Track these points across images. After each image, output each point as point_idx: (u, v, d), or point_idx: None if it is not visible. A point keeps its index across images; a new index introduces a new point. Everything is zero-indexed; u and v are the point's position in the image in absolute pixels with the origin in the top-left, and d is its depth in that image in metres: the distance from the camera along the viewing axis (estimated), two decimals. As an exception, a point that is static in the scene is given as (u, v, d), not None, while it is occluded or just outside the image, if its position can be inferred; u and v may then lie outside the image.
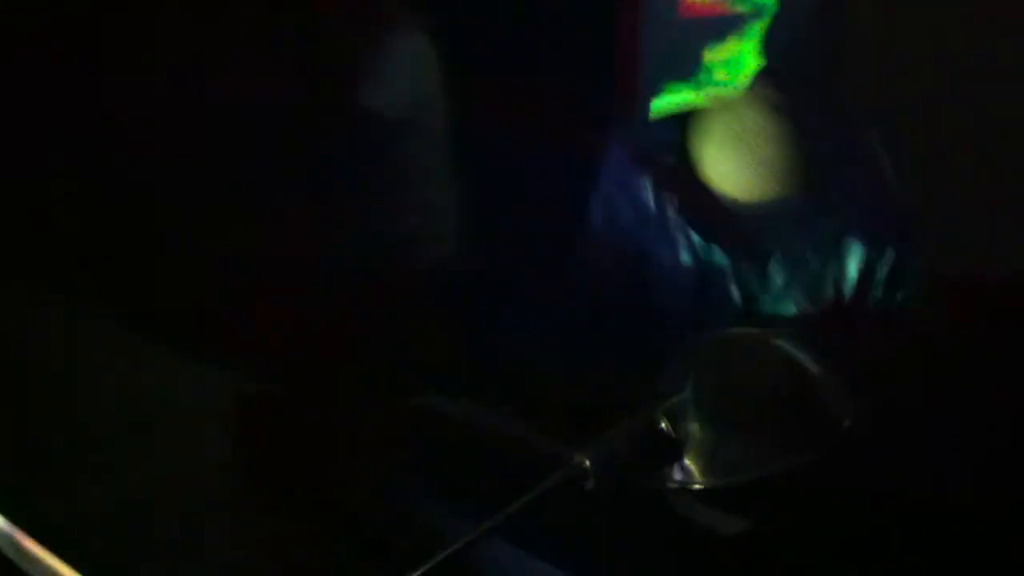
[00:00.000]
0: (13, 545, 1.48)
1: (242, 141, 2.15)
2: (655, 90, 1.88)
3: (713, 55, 1.79)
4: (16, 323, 1.92)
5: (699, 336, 1.11)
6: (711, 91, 1.76)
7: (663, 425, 1.06)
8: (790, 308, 1.53)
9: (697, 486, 1.05)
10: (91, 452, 1.83)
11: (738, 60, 1.74)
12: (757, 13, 1.79)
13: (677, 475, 1.05)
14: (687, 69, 1.82)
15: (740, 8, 1.88)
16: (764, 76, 1.66)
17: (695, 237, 1.64)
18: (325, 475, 1.75)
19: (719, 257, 1.62)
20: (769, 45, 1.73)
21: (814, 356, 1.09)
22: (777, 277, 1.55)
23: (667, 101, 1.83)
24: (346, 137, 2.20)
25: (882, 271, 1.56)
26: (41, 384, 1.91)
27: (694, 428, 1.05)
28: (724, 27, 1.78)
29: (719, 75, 1.79)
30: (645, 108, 1.91)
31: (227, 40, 2.18)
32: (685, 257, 1.64)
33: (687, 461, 1.05)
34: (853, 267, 1.54)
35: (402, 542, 1.52)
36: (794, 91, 1.64)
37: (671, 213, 1.69)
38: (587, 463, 1.04)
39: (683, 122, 1.77)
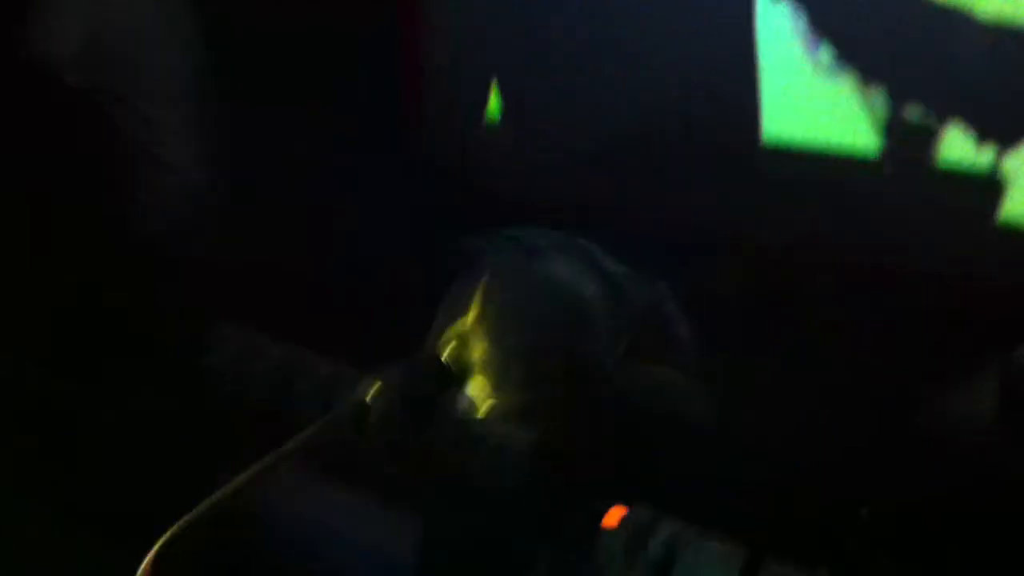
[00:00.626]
0: None
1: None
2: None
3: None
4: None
5: (479, 265, 1.11)
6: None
7: (442, 355, 1.06)
8: None
9: (479, 414, 1.05)
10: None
11: None
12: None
13: (459, 402, 1.06)
14: None
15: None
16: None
17: None
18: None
19: None
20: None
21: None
22: None
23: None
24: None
25: None
26: None
27: (474, 355, 1.06)
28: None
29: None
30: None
31: None
32: None
33: (469, 391, 1.05)
34: None
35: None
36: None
37: None
38: (366, 399, 1.03)
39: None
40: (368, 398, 1.02)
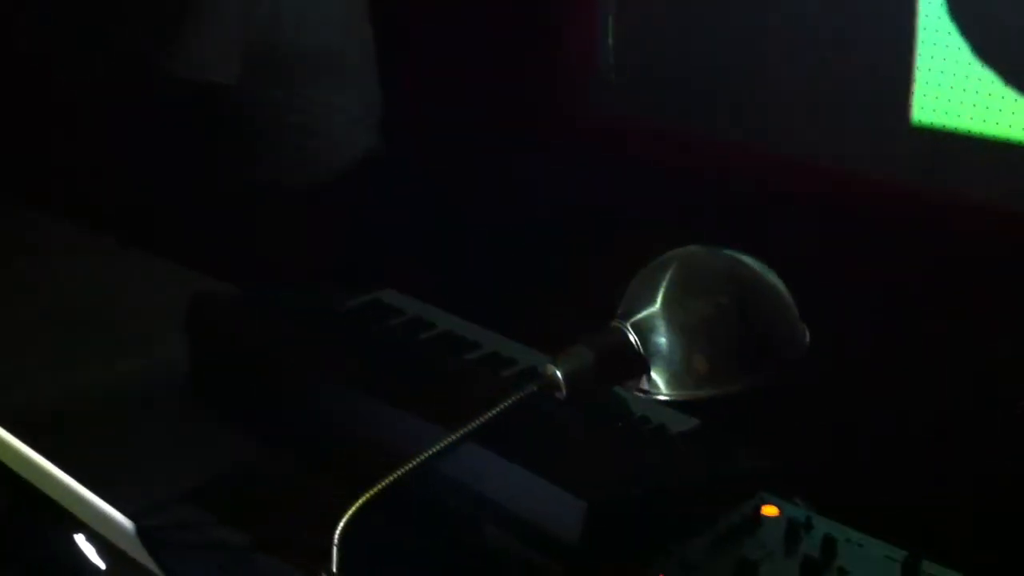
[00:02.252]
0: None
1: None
2: None
3: None
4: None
5: (670, 252, 1.14)
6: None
7: (632, 338, 1.09)
8: None
9: (663, 397, 1.09)
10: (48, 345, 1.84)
11: None
12: None
13: (644, 386, 1.09)
14: None
15: None
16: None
17: None
18: (276, 379, 1.78)
19: None
20: None
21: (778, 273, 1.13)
22: None
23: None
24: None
25: None
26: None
27: (661, 340, 1.09)
28: None
29: None
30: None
31: None
32: None
33: (654, 374, 1.09)
34: None
35: (370, 449, 1.56)
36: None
37: None
38: (558, 374, 1.08)
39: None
40: (560, 376, 1.07)
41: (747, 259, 1.13)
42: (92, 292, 1.94)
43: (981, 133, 1.83)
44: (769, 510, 1.24)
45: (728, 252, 1.14)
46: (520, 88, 2.20)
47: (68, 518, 1.39)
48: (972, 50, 1.79)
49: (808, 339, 1.12)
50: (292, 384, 1.79)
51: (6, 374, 1.70)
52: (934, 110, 1.83)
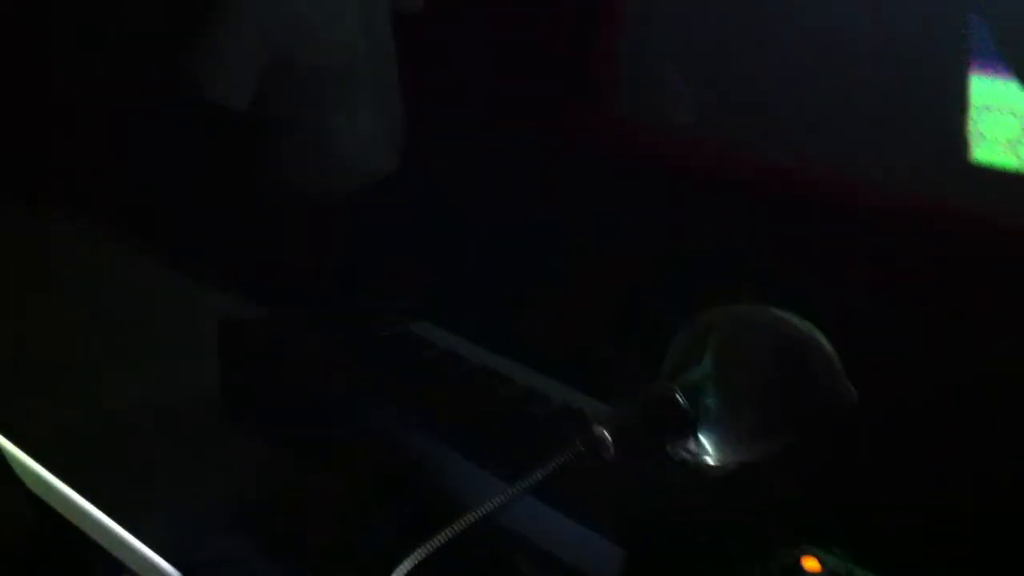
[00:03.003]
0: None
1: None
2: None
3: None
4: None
5: (716, 310, 1.15)
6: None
7: (679, 399, 1.10)
8: None
9: (710, 460, 1.09)
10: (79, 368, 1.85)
11: None
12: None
13: (692, 447, 1.10)
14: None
15: None
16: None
17: None
18: (308, 408, 1.79)
19: None
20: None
21: (825, 335, 1.13)
22: None
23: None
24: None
25: None
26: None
27: (709, 403, 1.09)
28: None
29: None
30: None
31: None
32: None
33: (701, 435, 1.09)
34: None
35: (408, 483, 1.57)
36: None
37: None
38: (606, 434, 1.08)
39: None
40: (607, 435, 1.07)
41: (792, 318, 1.14)
42: (121, 315, 1.95)
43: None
44: (810, 564, 1.24)
45: (774, 311, 1.15)
46: (557, 112, 2.20)
47: (102, 555, 1.40)
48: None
49: (855, 397, 1.12)
50: (324, 415, 1.80)
51: (35, 400, 1.71)
52: (991, 149, 1.83)
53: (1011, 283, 1.71)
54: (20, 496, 1.36)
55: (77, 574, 1.35)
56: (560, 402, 1.77)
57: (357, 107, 2.48)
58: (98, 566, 1.36)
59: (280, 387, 1.79)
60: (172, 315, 1.88)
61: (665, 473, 1.45)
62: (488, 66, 2.30)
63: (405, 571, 1.01)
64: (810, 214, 1.76)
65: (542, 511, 1.39)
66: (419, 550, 1.03)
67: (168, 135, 2.12)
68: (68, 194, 2.07)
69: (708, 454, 1.09)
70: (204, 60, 2.34)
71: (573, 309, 1.82)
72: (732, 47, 2.01)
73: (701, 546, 1.35)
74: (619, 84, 2.21)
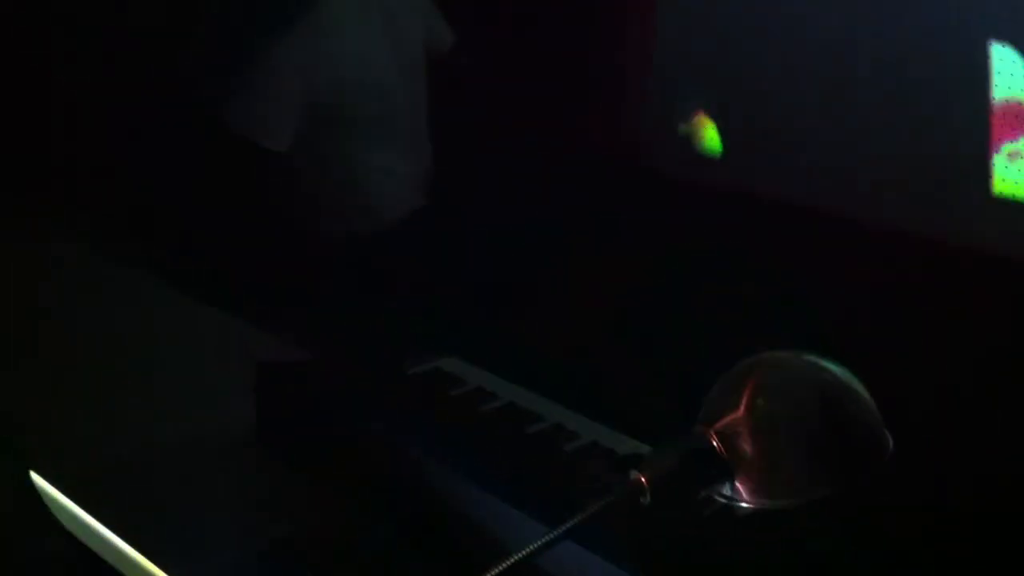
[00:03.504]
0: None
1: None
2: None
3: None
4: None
5: (754, 357, 1.15)
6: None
7: (715, 444, 1.10)
8: None
9: (746, 505, 1.09)
10: (115, 409, 1.86)
11: None
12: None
13: (727, 493, 1.10)
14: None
15: None
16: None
17: None
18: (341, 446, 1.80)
19: None
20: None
21: (862, 381, 1.13)
22: None
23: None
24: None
25: None
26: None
27: (745, 448, 1.10)
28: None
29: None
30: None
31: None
32: None
33: (738, 481, 1.09)
34: None
35: (440, 521, 1.58)
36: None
37: None
38: (643, 480, 1.08)
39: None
40: (645, 481, 1.08)
41: (830, 365, 1.14)
42: (156, 354, 1.97)
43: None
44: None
45: (811, 358, 1.15)
46: (590, 153, 2.21)
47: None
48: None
49: (891, 444, 1.13)
50: (356, 454, 1.81)
51: (71, 441, 1.73)
52: (1016, 181, 1.82)
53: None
54: (58, 537, 1.37)
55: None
56: (589, 439, 1.78)
57: (387, 147, 2.50)
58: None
59: (314, 426, 1.80)
60: (208, 355, 1.90)
61: (695, 511, 1.46)
62: (517, 104, 2.32)
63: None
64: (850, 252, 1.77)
65: (571, 549, 1.39)
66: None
67: (206, 176, 2.14)
68: (107, 236, 2.09)
69: (743, 500, 1.09)
70: (245, 103, 2.37)
71: (606, 346, 1.83)
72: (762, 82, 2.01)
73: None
74: (661, 131, 2.22)
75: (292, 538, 1.62)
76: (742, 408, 1.11)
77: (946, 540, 1.48)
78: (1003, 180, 1.86)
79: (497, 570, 1.06)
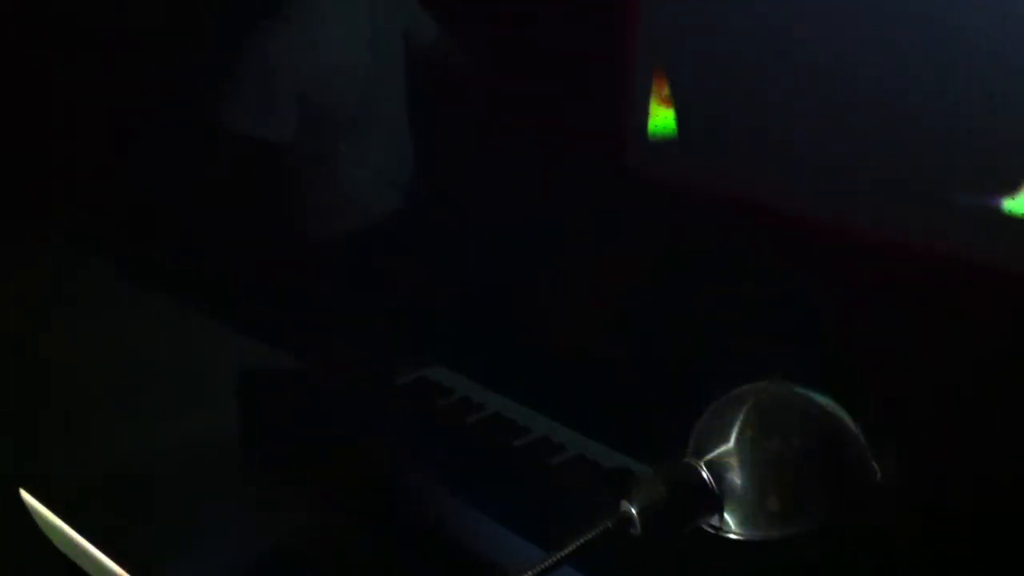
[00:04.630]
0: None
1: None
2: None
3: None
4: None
5: (745, 387, 1.16)
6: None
7: (705, 476, 1.11)
8: None
9: (735, 536, 1.10)
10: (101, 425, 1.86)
11: None
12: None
13: (716, 523, 1.11)
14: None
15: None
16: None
17: None
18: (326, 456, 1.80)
19: None
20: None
21: (852, 414, 1.15)
22: None
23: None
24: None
25: None
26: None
27: (735, 480, 1.11)
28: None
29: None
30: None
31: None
32: None
33: (727, 513, 1.11)
34: None
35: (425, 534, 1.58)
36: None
37: None
38: (633, 511, 1.09)
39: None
40: (634, 513, 1.09)
41: (819, 398, 1.15)
42: (142, 368, 1.96)
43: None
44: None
45: (801, 391, 1.16)
46: (570, 148, 2.20)
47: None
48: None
49: (879, 477, 1.14)
50: (342, 463, 1.81)
51: (60, 457, 1.72)
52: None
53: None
54: (47, 555, 1.37)
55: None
56: (575, 452, 1.79)
57: (369, 148, 2.50)
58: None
59: (300, 435, 1.81)
60: (196, 367, 1.90)
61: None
62: (504, 104, 2.31)
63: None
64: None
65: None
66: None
67: (189, 180, 2.13)
68: (91, 243, 2.08)
69: (732, 531, 1.10)
70: (243, 97, 2.36)
71: (594, 357, 1.84)
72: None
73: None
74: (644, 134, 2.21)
75: (280, 550, 1.62)
76: (732, 440, 1.12)
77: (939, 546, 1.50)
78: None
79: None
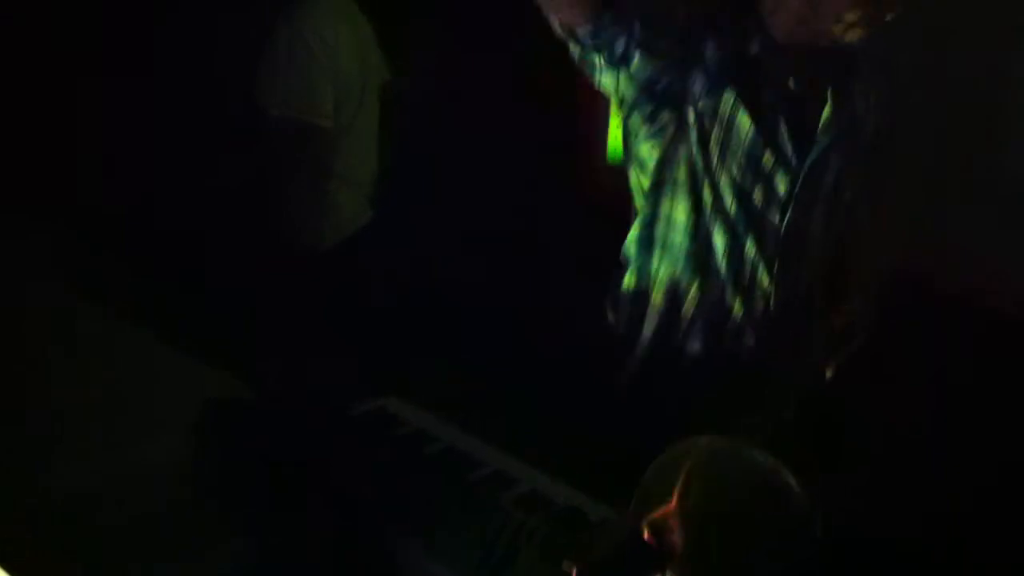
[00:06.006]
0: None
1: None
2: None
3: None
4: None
5: (687, 443, 1.17)
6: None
7: (647, 535, 1.12)
8: None
9: (680, 594, 1.11)
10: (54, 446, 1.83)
11: None
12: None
13: (658, 584, 1.12)
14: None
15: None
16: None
17: None
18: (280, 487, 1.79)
19: None
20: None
21: (789, 467, 1.15)
22: None
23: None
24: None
25: None
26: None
27: (677, 540, 1.11)
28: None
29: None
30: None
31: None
32: None
33: (669, 571, 1.11)
34: None
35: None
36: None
37: None
38: (576, 571, 1.10)
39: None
40: (578, 572, 1.09)
41: (759, 455, 1.16)
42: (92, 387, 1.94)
43: None
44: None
45: (741, 448, 1.17)
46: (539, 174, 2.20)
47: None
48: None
49: (819, 530, 1.15)
50: (295, 496, 1.80)
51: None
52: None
53: None
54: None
55: None
56: (528, 487, 1.79)
57: (342, 169, 2.50)
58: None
59: (254, 467, 1.79)
60: (145, 396, 1.88)
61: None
62: (464, 136, 2.32)
63: None
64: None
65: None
66: None
67: (147, 203, 2.12)
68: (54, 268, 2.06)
69: (672, 592, 1.11)
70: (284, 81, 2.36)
71: (548, 395, 1.84)
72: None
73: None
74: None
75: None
76: (674, 500, 1.13)
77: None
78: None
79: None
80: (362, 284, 2.30)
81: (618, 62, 1.65)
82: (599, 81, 1.68)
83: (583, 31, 1.63)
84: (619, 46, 1.63)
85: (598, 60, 1.66)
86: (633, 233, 1.77)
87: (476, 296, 2.07)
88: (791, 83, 1.68)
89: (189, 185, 2.22)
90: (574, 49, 1.66)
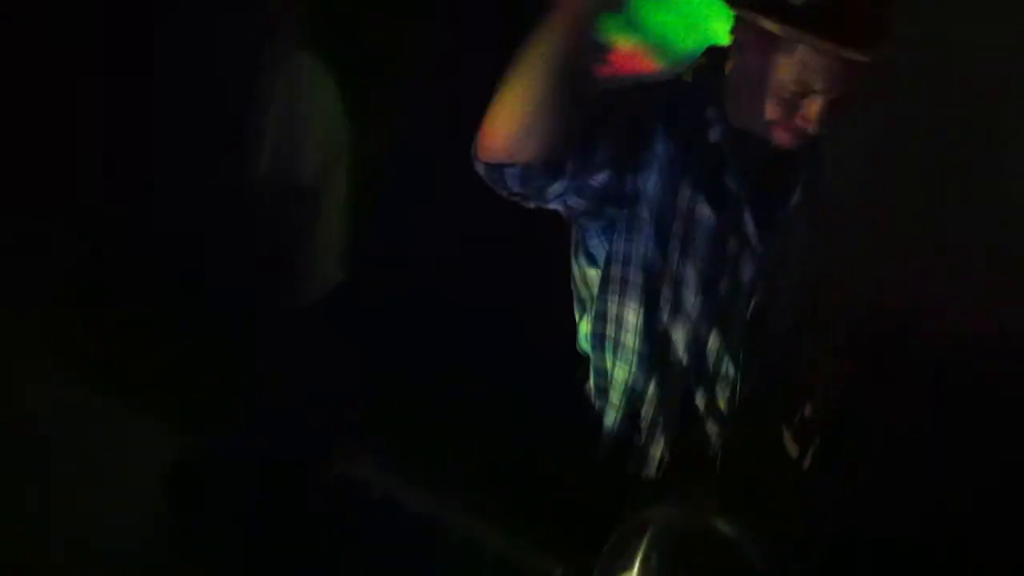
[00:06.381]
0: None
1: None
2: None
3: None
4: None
5: (646, 512, 1.16)
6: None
7: (609, 607, 1.11)
8: None
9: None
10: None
11: None
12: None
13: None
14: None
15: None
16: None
17: None
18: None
19: None
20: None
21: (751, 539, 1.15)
22: None
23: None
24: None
25: None
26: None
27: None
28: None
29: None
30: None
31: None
32: None
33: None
34: None
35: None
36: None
37: None
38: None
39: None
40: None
41: (720, 524, 1.15)
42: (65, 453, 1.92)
43: None
44: None
45: (702, 517, 1.16)
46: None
47: None
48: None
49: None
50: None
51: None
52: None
53: None
54: None
55: None
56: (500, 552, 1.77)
57: (314, 232, 2.50)
58: None
59: (226, 530, 1.78)
60: (110, 459, 1.86)
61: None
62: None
63: None
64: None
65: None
66: None
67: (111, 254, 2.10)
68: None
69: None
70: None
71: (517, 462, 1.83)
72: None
73: None
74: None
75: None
76: (635, 570, 1.12)
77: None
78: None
79: None
80: (331, 347, 2.29)
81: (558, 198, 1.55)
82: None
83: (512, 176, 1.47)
84: (554, 191, 1.52)
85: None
86: (584, 328, 1.73)
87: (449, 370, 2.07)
88: (752, 167, 1.64)
89: (147, 243, 2.21)
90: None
